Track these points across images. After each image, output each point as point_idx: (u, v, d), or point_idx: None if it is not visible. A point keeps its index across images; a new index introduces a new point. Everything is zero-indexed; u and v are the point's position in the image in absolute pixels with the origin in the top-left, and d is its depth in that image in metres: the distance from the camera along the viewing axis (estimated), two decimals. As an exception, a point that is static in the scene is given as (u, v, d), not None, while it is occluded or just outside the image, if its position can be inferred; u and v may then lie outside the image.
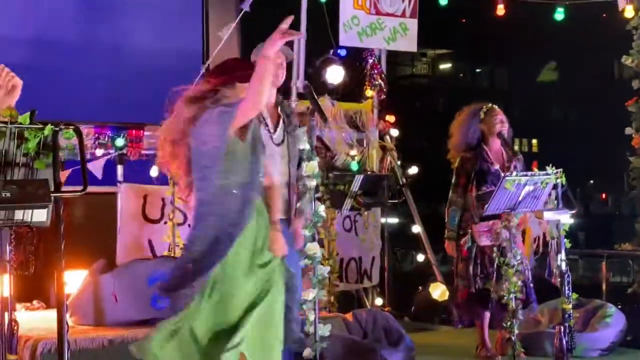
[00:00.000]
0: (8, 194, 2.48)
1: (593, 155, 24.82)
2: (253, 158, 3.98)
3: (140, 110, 8.20)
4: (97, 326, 5.69)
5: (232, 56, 6.41)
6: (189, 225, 7.25)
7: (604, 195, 31.59)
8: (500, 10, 8.40)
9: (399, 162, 8.69)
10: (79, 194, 2.72)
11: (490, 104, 6.52)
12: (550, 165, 5.96)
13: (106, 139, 7.49)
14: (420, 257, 9.40)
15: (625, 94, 9.44)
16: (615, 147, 11.07)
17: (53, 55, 6.51)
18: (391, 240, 8.65)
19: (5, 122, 2.60)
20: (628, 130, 9.35)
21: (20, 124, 2.61)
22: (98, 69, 6.62)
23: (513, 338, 6.05)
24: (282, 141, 4.92)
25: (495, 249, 6.14)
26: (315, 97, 4.86)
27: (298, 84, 7.58)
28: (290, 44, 7.76)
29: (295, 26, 7.72)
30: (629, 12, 8.57)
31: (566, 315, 6.07)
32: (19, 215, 2.62)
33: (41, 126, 2.65)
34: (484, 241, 6.24)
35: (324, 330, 4.53)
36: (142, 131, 7.73)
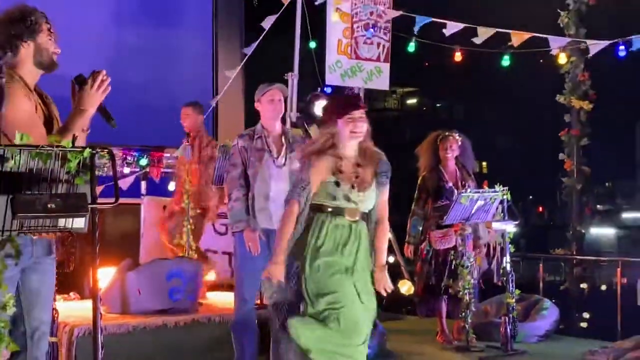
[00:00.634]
0: (53, 205, 2.48)
1: (532, 175, 24.91)
2: None
3: (160, 135, 8.20)
4: (124, 314, 5.66)
5: (237, 92, 6.44)
6: (201, 232, 7.26)
7: (540, 209, 31.68)
8: (458, 57, 8.46)
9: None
10: (111, 205, 2.72)
11: (446, 133, 6.52)
12: (498, 184, 6.00)
13: (132, 159, 7.47)
14: (391, 259, 9.38)
15: (558, 126, 9.51)
16: (550, 169, 11.11)
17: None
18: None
19: (52, 146, 2.60)
20: (561, 156, 9.41)
21: (64, 147, 2.61)
22: (126, 101, 6.61)
23: (467, 326, 6.06)
24: (284, 164, 4.94)
25: (452, 252, 6.16)
26: (306, 126, 4.88)
27: (292, 115, 7.58)
28: (285, 83, 7.79)
29: (289, 68, 7.79)
30: (562, 58, 8.63)
31: (510, 308, 6.07)
32: (61, 222, 2.62)
33: (81, 149, 2.65)
34: (439, 245, 6.26)
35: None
36: (162, 153, 7.72)
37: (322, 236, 3.90)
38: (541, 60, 10.06)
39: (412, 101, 35.45)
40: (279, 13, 7.77)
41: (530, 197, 29.60)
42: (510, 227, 6.17)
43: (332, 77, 7.98)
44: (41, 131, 3.07)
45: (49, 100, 3.28)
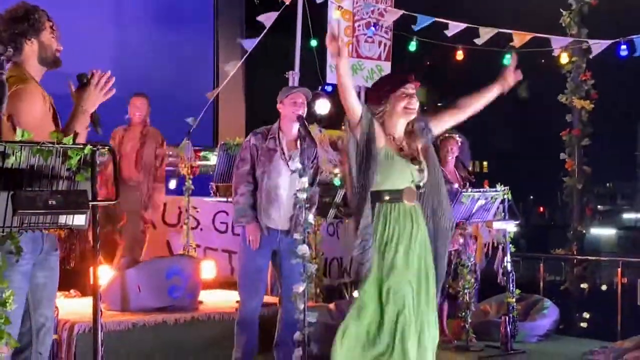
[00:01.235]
0: (54, 202, 2.48)
1: (533, 175, 24.91)
2: None
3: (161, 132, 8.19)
4: (124, 312, 5.65)
5: (238, 90, 6.41)
6: (201, 230, 7.28)
7: (541, 209, 31.68)
8: (459, 55, 8.46)
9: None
10: (112, 202, 2.73)
11: (446, 134, 6.50)
12: (499, 183, 6.00)
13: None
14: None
15: (559, 126, 9.50)
16: (551, 169, 11.10)
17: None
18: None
19: (53, 143, 2.60)
20: (562, 156, 9.41)
21: (65, 144, 2.61)
22: (128, 98, 6.62)
23: (467, 326, 6.06)
24: (295, 170, 4.79)
25: (452, 252, 6.15)
26: (307, 125, 4.86)
27: (292, 113, 7.58)
28: (286, 81, 7.79)
29: (290, 67, 7.80)
30: (564, 58, 8.63)
31: (510, 307, 6.07)
32: (62, 219, 2.62)
33: (81, 146, 2.66)
34: (449, 247, 6.24)
35: (312, 317, 4.52)
36: (162, 150, 7.70)
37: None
38: (542, 60, 10.05)
39: (413, 100, 35.44)
40: (280, 11, 7.78)
41: (531, 196, 29.60)
42: (511, 227, 6.17)
43: (333, 76, 7.98)
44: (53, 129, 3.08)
45: (49, 97, 3.30)
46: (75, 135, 2.70)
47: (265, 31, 7.61)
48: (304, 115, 4.94)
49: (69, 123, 3.14)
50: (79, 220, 2.64)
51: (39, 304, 3.08)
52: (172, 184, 7.66)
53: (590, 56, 8.33)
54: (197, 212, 7.10)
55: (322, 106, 8.04)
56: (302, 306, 4.48)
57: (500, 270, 6.28)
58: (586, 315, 7.86)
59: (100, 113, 3.19)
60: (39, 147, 2.57)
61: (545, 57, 8.94)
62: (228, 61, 8.04)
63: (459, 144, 6.48)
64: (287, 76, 7.82)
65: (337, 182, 7.79)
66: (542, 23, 8.48)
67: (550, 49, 8.15)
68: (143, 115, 6.61)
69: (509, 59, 8.21)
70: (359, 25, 8.12)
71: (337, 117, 8.58)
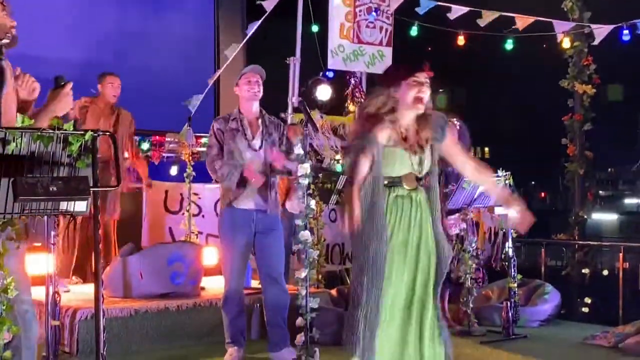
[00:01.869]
0: (55, 188, 2.47)
1: (535, 160, 24.88)
2: None
3: (162, 119, 8.20)
4: (126, 298, 5.68)
5: (238, 72, 6.38)
6: (203, 216, 7.28)
7: (542, 194, 31.67)
8: (461, 40, 8.42)
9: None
10: (113, 188, 2.72)
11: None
12: (501, 168, 5.98)
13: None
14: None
15: (561, 111, 9.47)
16: (552, 154, 11.09)
17: (93, 73, 6.50)
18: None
19: (53, 129, 2.59)
20: (564, 141, 9.38)
21: (65, 130, 2.60)
22: (128, 84, 6.60)
23: (468, 311, 6.07)
24: (260, 147, 4.99)
25: (454, 237, 6.15)
26: (308, 110, 4.86)
27: (293, 100, 7.57)
28: (287, 67, 7.77)
29: (291, 53, 7.77)
30: (566, 42, 8.59)
31: (512, 292, 6.08)
32: (63, 205, 2.62)
33: (82, 132, 2.65)
34: (453, 231, 6.25)
35: (314, 302, 4.53)
36: (164, 137, 7.71)
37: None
38: (544, 45, 10.00)
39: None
40: (281, -5, 7.74)
41: (533, 182, 29.57)
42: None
43: (334, 61, 7.97)
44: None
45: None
46: (76, 121, 2.69)
47: (265, 15, 7.58)
48: (261, 95, 5.02)
49: (33, 114, 3.05)
50: (80, 206, 2.64)
51: (20, 291, 3.05)
52: (174, 171, 7.67)
53: (594, 42, 8.29)
54: (199, 198, 7.11)
55: (323, 92, 8.02)
56: (304, 292, 4.49)
57: (499, 256, 6.29)
58: (587, 300, 7.85)
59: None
60: (39, 133, 2.56)
61: (547, 41, 8.90)
62: (229, 46, 8.00)
63: (457, 127, 6.45)
64: (288, 62, 7.78)
65: (339, 168, 7.78)
66: (544, 7, 8.43)
67: (552, 33, 8.11)
68: (116, 95, 6.50)
69: (511, 44, 8.25)
70: (360, 11, 8.08)
71: (338, 103, 8.57)
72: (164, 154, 7.82)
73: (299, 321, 4.52)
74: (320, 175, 6.97)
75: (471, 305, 6.06)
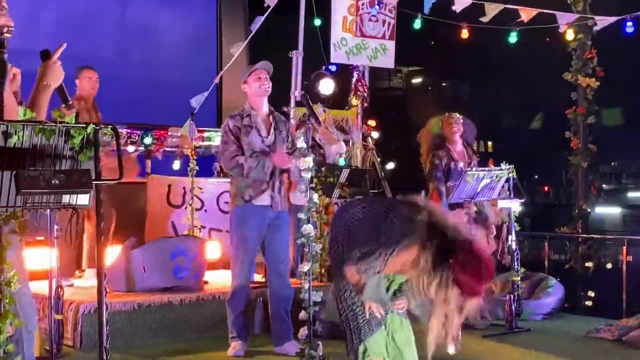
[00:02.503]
0: (57, 181, 2.46)
1: (538, 154, 24.85)
2: None
3: (164, 114, 8.19)
4: (129, 292, 5.69)
5: (240, 66, 6.28)
6: (205, 211, 7.28)
7: (546, 188, 31.62)
8: (464, 34, 8.40)
9: (378, 159, 8.68)
10: (115, 182, 2.71)
11: (447, 114, 6.45)
12: (504, 162, 5.97)
13: (136, 137, 7.45)
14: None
15: (565, 104, 9.45)
16: (556, 147, 11.07)
17: (95, 68, 6.49)
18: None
19: (55, 122, 2.58)
20: (567, 134, 9.36)
21: (67, 123, 2.60)
22: (131, 79, 6.60)
23: (471, 304, 6.05)
24: (274, 143, 5.02)
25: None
26: (311, 104, 4.85)
27: (296, 94, 7.56)
28: (289, 61, 7.75)
29: (294, 46, 7.75)
30: (570, 34, 8.55)
31: (515, 286, 6.08)
32: (65, 199, 2.61)
33: (84, 125, 2.64)
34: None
35: (317, 296, 4.52)
36: (166, 132, 7.70)
37: None
38: (548, 39, 9.97)
39: (416, 80, 35.25)
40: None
41: (536, 175, 29.53)
42: (516, 205, 6.16)
43: (337, 55, 7.95)
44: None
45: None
46: (77, 114, 2.68)
47: (269, 11, 7.56)
48: (270, 90, 5.04)
49: (33, 100, 3.05)
50: (83, 199, 2.63)
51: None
52: (176, 165, 7.67)
53: (595, 29, 8.26)
54: (201, 192, 7.10)
55: (326, 86, 8.00)
56: (307, 285, 4.49)
57: (505, 249, 6.28)
58: (591, 293, 7.86)
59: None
60: (41, 126, 2.55)
61: (550, 34, 8.87)
62: (231, 41, 7.98)
63: (461, 120, 6.43)
64: (290, 56, 7.76)
65: (341, 162, 7.77)
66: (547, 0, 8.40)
67: (556, 25, 8.09)
68: (95, 89, 6.43)
69: (514, 37, 8.22)
70: (362, 4, 8.05)
71: (340, 97, 8.55)
72: (166, 148, 7.81)
73: (302, 315, 4.52)
74: (323, 169, 6.95)
75: (474, 299, 6.05)
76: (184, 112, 7.22)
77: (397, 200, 3.65)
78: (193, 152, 6.92)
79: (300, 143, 4.63)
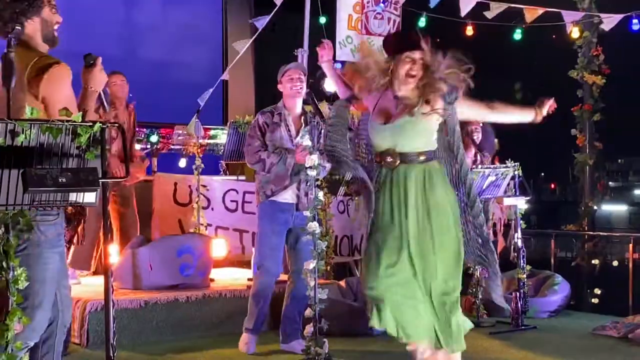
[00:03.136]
0: (64, 180, 2.48)
1: (544, 151, 24.79)
2: None
3: (170, 112, 8.22)
4: (135, 290, 5.70)
5: (248, 68, 6.34)
6: (212, 209, 7.29)
7: (552, 185, 31.57)
8: (469, 31, 8.39)
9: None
10: (121, 180, 2.73)
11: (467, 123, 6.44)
12: (510, 159, 5.97)
13: (142, 135, 7.47)
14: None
15: (570, 101, 9.43)
16: (562, 145, 11.05)
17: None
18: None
19: (62, 121, 2.60)
20: (573, 132, 9.34)
21: (74, 122, 2.61)
22: (137, 78, 6.61)
23: (477, 302, 6.07)
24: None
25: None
26: (316, 102, 4.86)
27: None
28: (295, 58, 7.75)
29: (299, 44, 7.75)
30: (575, 32, 8.53)
31: (521, 283, 6.08)
32: (72, 197, 2.63)
33: (91, 124, 2.65)
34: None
35: (322, 294, 4.53)
36: (172, 130, 7.72)
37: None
38: (554, 36, 9.94)
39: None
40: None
41: (542, 173, 29.45)
42: (522, 203, 6.16)
43: (343, 53, 7.93)
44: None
45: None
46: (85, 112, 2.70)
47: (276, 9, 7.57)
48: (303, 91, 5.03)
49: (80, 103, 3.16)
50: (90, 197, 2.65)
51: (63, 277, 3.12)
52: (182, 163, 7.68)
53: (601, 26, 8.24)
54: (207, 190, 7.12)
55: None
56: (312, 283, 4.50)
57: (511, 247, 6.28)
58: (597, 291, 7.84)
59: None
60: (48, 125, 2.56)
61: (556, 31, 8.85)
62: (237, 39, 7.99)
63: (480, 129, 6.43)
64: (296, 54, 7.77)
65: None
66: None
67: (561, 23, 8.07)
68: (125, 93, 6.48)
69: (519, 34, 8.21)
70: (368, 2, 8.04)
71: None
72: (172, 146, 7.83)
73: (308, 312, 4.53)
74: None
75: (480, 296, 6.06)
76: (189, 110, 7.24)
77: None
78: (199, 150, 6.93)
79: (306, 141, 4.64)
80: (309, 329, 4.52)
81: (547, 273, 7.09)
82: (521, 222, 6.14)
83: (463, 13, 7.80)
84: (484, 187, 5.88)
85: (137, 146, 7.32)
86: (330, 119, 3.79)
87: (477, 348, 5.28)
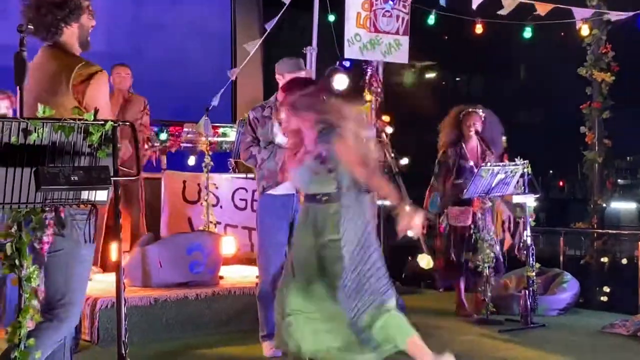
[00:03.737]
0: (76, 178, 2.50)
1: (553, 149, 24.71)
2: None
3: (179, 110, 8.23)
4: (145, 287, 5.72)
5: (256, 66, 6.32)
6: (221, 207, 7.31)
7: (561, 183, 31.46)
8: (479, 28, 8.37)
9: (392, 155, 8.67)
10: (133, 178, 2.75)
11: (469, 109, 6.47)
12: (519, 157, 5.96)
13: (152, 133, 7.49)
14: (410, 232, 9.34)
15: (580, 99, 9.41)
16: (571, 143, 11.02)
17: (111, 65, 6.56)
18: (386, 218, 8.63)
19: (74, 119, 2.62)
20: (582, 129, 9.33)
21: (86, 120, 2.63)
22: (147, 76, 6.64)
23: (486, 300, 6.07)
24: None
25: (472, 226, 6.15)
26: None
27: (310, 89, 7.55)
28: (304, 57, 7.75)
29: (307, 42, 7.76)
30: (585, 30, 8.50)
31: (530, 281, 6.07)
32: (84, 195, 2.64)
33: (103, 122, 2.67)
34: (456, 222, 6.26)
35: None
36: (181, 128, 7.74)
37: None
38: (562, 33, 9.92)
39: (430, 75, 35.14)
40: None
41: (551, 171, 29.35)
42: (531, 201, 6.15)
43: (351, 51, 7.93)
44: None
45: None
46: (96, 111, 2.72)
47: (285, 8, 7.58)
48: None
49: None
50: (101, 195, 2.66)
51: None
52: (191, 161, 7.70)
53: (611, 20, 8.21)
54: (216, 188, 7.13)
55: (340, 82, 7.99)
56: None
57: (521, 244, 6.28)
58: (606, 289, 7.83)
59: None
60: (60, 123, 2.58)
61: (565, 29, 8.83)
62: (246, 37, 8.00)
63: (482, 118, 6.45)
64: (304, 52, 7.77)
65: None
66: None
67: (571, 20, 8.05)
68: (129, 85, 6.74)
69: (529, 32, 8.19)
70: (376, 0, 8.04)
71: (355, 93, 8.55)
72: (181, 144, 7.85)
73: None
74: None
75: (489, 294, 6.06)
76: (199, 108, 7.25)
77: None
78: (208, 148, 6.94)
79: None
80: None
81: (556, 271, 7.07)
82: (530, 219, 6.13)
83: (474, 5, 7.77)
84: (493, 185, 5.88)
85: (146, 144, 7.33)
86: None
87: (485, 345, 5.29)
